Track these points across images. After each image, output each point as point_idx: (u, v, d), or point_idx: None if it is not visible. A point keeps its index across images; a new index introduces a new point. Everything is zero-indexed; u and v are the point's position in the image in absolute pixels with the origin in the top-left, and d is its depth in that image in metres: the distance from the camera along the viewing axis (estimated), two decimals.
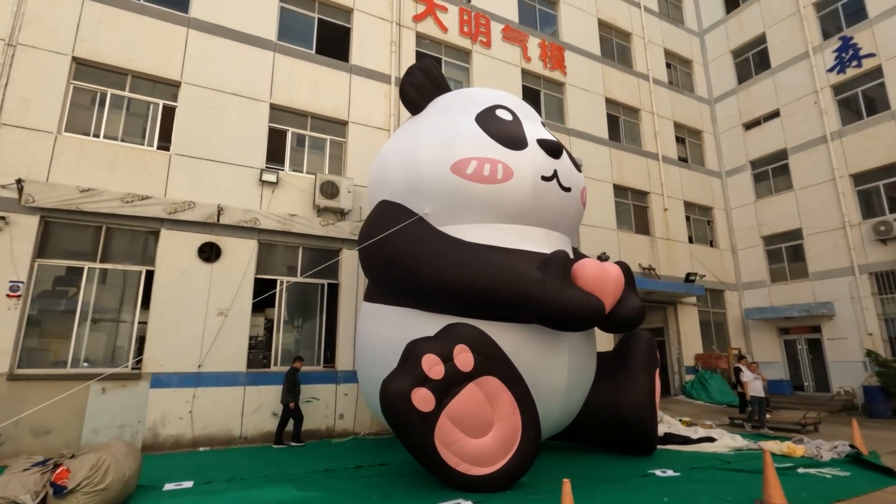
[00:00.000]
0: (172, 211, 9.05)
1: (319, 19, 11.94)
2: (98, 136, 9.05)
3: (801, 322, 15.97)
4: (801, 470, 6.79)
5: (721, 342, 17.19)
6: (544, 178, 7.41)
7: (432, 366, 5.55)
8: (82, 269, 8.53)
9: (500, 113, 7.87)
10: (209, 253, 9.36)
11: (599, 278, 6.52)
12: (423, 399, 5.45)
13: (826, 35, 16.44)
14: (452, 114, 7.90)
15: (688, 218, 17.74)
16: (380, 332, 7.51)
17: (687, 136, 18.95)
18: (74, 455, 5.06)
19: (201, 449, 8.50)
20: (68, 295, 8.45)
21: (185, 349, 8.84)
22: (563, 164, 7.78)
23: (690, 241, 17.51)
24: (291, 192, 10.43)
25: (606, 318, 6.73)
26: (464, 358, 5.67)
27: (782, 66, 17.53)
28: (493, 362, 5.86)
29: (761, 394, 10.30)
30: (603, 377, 7.95)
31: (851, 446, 7.87)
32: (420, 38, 13.21)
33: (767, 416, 11.33)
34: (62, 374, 8.02)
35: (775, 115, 17.64)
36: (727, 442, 8.56)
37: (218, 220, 9.40)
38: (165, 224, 9.10)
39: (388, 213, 7.55)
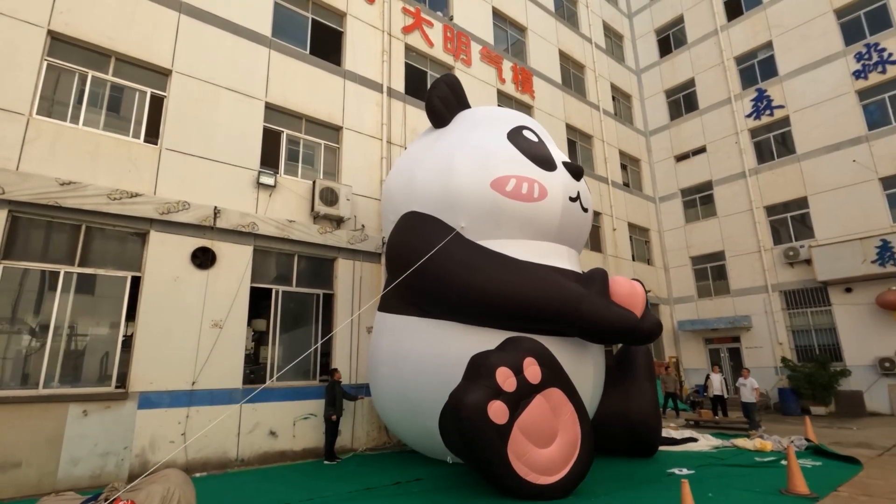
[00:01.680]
0: (165, 211, 8.20)
1: (313, 20, 11.54)
2: (76, 124, 7.96)
3: (724, 333, 18.19)
4: (783, 462, 7.83)
5: (657, 351, 18.96)
6: (571, 199, 7.89)
7: (506, 378, 5.68)
8: (58, 273, 7.40)
9: (527, 133, 8.24)
10: (202, 259, 8.58)
11: (632, 295, 7.07)
12: (498, 412, 5.55)
13: (745, 85, 19.13)
14: (482, 130, 8.12)
15: (630, 238, 19.45)
16: (411, 345, 7.43)
17: (629, 164, 20.84)
18: (129, 488, 4.44)
19: (198, 475, 7.70)
20: (41, 303, 7.27)
21: (177, 365, 8.00)
22: (582, 187, 8.34)
23: (633, 259, 19.20)
24: (288, 196, 9.91)
25: None
26: (533, 370, 5.87)
27: (708, 109, 20.04)
28: (556, 374, 6.11)
29: (751, 399, 11.53)
30: (609, 386, 8.52)
31: (807, 440, 9.21)
32: (408, 49, 13.26)
33: (717, 417, 12.79)
34: (33, 397, 6.86)
35: (702, 150, 20.07)
36: (706, 442, 9.56)
37: (214, 223, 8.68)
38: (155, 225, 8.21)
39: (424, 225, 7.55)
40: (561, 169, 7.94)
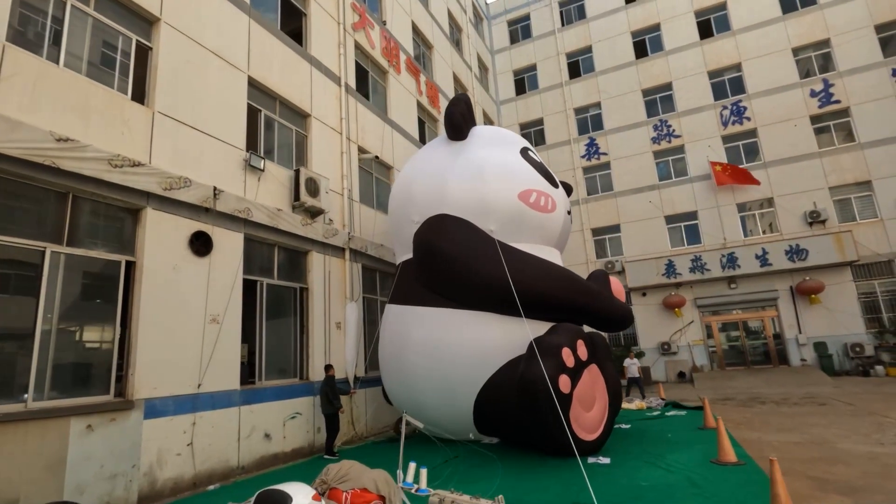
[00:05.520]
0: (168, 187, 7.03)
1: None
2: (57, 63, 6.21)
3: None
4: (668, 413, 11.17)
5: None
6: (567, 212, 9.78)
7: (568, 356, 7.14)
8: (42, 252, 5.74)
9: (531, 154, 9.77)
10: (198, 245, 7.55)
11: (619, 291, 9.39)
12: (565, 383, 6.98)
13: (581, 132, 24.30)
14: (499, 148, 9.30)
15: None
16: (451, 334, 8.14)
17: None
18: (339, 479, 4.41)
19: (210, 488, 6.87)
20: (22, 291, 5.54)
21: (181, 365, 6.96)
22: (570, 201, 10.34)
23: None
24: (271, 183, 9.25)
25: None
26: (582, 350, 7.46)
27: (554, 145, 24.70)
28: (594, 352, 7.81)
29: (636, 374, 15.02)
30: None
31: (663, 398, 13.04)
32: (356, 47, 13.29)
33: None
34: (21, 413, 5.27)
35: None
36: None
37: (214, 205, 7.72)
38: (152, 202, 6.95)
39: (465, 227, 8.40)
40: (560, 186, 9.76)
